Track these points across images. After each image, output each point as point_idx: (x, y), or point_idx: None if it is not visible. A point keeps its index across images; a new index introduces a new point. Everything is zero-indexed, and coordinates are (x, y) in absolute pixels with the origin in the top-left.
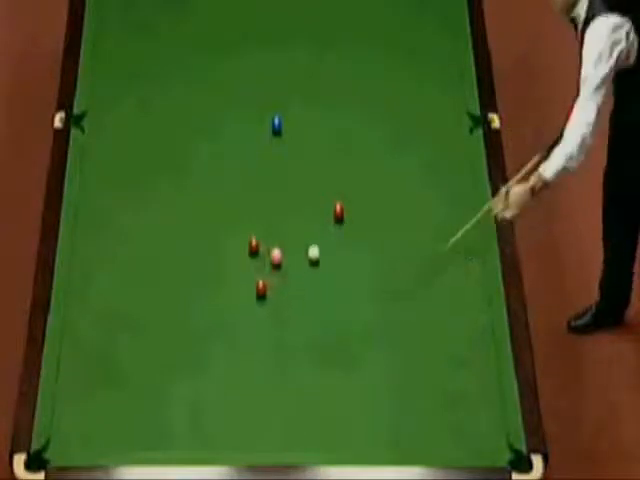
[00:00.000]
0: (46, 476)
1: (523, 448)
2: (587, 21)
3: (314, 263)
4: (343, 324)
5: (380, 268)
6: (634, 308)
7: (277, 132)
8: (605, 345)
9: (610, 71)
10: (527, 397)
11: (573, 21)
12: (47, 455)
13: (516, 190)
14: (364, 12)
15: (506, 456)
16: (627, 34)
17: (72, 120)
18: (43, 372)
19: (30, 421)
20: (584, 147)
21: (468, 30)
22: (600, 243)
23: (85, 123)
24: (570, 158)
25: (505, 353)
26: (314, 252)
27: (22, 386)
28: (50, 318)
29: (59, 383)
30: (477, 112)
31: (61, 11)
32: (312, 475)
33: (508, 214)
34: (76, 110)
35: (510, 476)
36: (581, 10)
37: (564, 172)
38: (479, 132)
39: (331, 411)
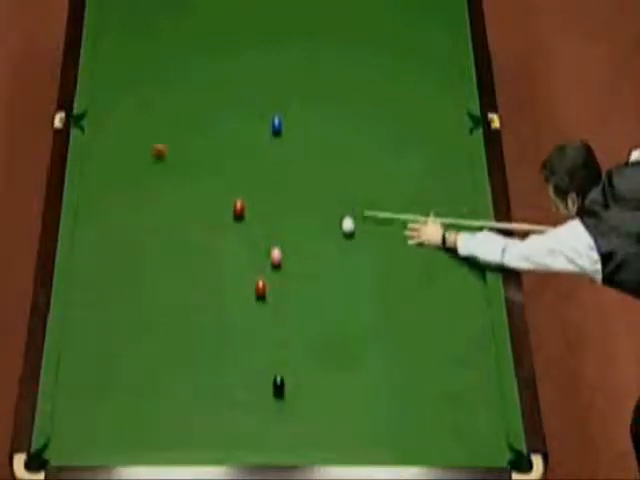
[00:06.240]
0: (46, 476)
1: (523, 448)
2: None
3: (348, 235)
4: (343, 324)
5: (380, 268)
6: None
7: (277, 132)
8: (606, 344)
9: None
10: (527, 397)
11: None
12: (47, 455)
13: (432, 229)
14: (364, 12)
15: (506, 456)
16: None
17: (72, 120)
18: (43, 372)
19: (30, 421)
20: (498, 259)
21: (468, 30)
22: None
23: (85, 123)
24: (484, 253)
25: (505, 353)
26: (348, 224)
27: (22, 386)
28: (50, 318)
29: (59, 383)
30: (477, 112)
31: (61, 11)
32: (312, 475)
33: (412, 240)
34: (76, 110)
35: (510, 476)
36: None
37: (473, 256)
38: (479, 132)
39: (331, 411)
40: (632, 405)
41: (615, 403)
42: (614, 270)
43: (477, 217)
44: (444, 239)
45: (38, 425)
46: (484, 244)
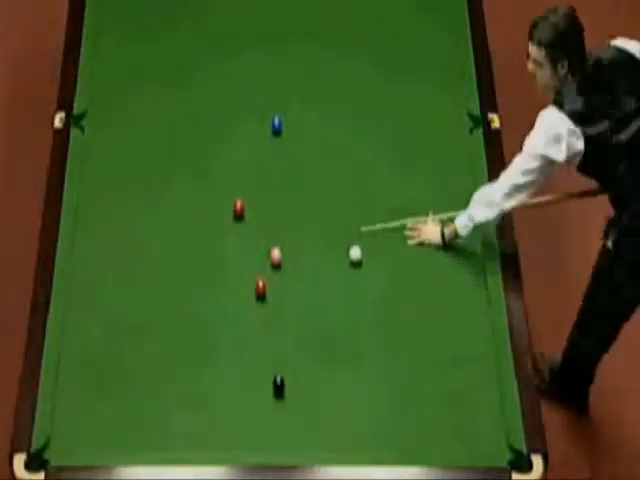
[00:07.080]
0: (46, 476)
1: (523, 448)
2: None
3: (356, 264)
4: (343, 324)
5: (380, 268)
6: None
7: (277, 132)
8: None
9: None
10: (527, 397)
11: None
12: (47, 455)
13: (431, 229)
14: (364, 12)
15: (506, 456)
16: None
17: (72, 120)
18: (43, 372)
19: (30, 421)
20: (499, 209)
21: (468, 30)
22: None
23: (85, 123)
24: (484, 215)
25: (505, 353)
26: (356, 253)
27: (22, 386)
28: (50, 318)
29: (59, 383)
30: (477, 112)
31: (61, 11)
32: (312, 475)
33: (412, 240)
34: (76, 110)
35: (510, 476)
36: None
37: (478, 225)
38: (479, 132)
39: (331, 411)
40: (632, 405)
41: (615, 403)
42: (593, 150)
43: None
44: (443, 237)
45: (38, 425)
46: (479, 208)
